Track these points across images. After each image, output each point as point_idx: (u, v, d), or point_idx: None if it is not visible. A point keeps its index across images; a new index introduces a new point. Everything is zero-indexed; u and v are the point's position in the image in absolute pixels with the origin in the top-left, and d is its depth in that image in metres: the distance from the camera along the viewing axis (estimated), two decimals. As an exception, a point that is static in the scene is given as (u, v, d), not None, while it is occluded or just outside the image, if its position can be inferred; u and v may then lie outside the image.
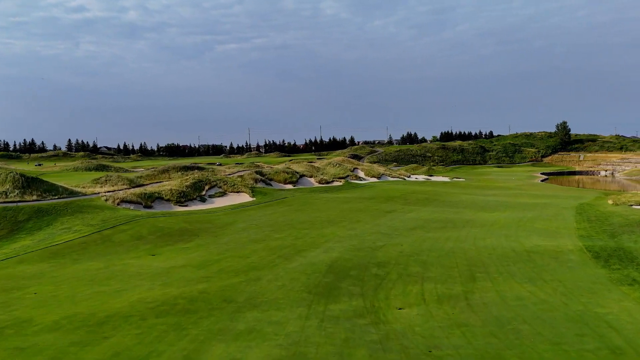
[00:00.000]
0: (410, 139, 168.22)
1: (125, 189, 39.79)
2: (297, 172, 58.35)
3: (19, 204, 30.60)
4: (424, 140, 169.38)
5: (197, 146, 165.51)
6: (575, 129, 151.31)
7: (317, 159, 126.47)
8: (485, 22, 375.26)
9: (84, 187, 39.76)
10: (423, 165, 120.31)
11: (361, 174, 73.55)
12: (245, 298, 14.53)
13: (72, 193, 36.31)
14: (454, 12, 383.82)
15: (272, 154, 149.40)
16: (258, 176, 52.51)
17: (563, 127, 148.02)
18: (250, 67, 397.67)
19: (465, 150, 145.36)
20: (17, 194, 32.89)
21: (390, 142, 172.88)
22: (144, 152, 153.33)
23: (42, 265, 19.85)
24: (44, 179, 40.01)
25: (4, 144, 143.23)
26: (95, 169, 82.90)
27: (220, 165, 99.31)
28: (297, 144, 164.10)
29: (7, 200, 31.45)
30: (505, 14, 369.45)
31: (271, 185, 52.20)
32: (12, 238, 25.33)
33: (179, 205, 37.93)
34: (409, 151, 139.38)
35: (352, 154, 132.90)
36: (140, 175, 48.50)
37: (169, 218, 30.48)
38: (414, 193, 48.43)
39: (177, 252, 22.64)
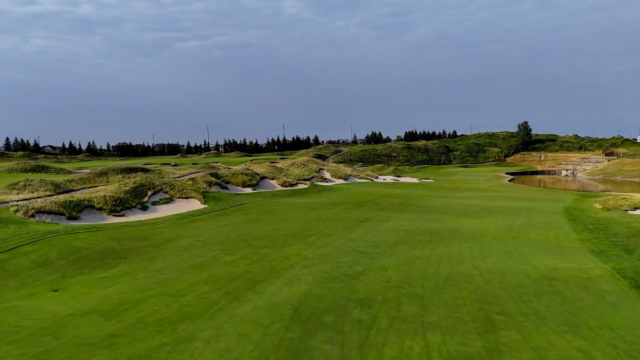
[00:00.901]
0: (375, 138, 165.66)
1: (48, 195, 33.07)
2: (258, 174, 52.83)
3: None
4: (388, 139, 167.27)
5: (151, 145, 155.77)
6: (536, 129, 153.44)
7: (280, 158, 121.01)
8: (443, 25, 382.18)
9: (-5, 194, 32.73)
10: (389, 165, 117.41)
11: (327, 175, 68.86)
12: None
13: (-24, 202, 29.36)
14: (414, 15, 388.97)
15: (232, 153, 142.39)
16: (213, 179, 46.64)
17: (524, 127, 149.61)
18: (211, 66, 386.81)
19: (430, 150, 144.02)
20: None
21: (354, 142, 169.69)
22: (93, 152, 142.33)
23: None
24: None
25: None
26: (32, 170, 73.66)
27: (175, 165, 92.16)
28: (259, 143, 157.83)
29: None
30: (463, 17, 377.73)
31: (228, 189, 46.47)
32: None
33: (114, 215, 31.70)
34: (374, 151, 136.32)
35: (316, 154, 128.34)
36: (70, 179, 41.51)
37: (93, 234, 24.39)
38: (386, 197, 44.11)
39: (90, 284, 16.89)
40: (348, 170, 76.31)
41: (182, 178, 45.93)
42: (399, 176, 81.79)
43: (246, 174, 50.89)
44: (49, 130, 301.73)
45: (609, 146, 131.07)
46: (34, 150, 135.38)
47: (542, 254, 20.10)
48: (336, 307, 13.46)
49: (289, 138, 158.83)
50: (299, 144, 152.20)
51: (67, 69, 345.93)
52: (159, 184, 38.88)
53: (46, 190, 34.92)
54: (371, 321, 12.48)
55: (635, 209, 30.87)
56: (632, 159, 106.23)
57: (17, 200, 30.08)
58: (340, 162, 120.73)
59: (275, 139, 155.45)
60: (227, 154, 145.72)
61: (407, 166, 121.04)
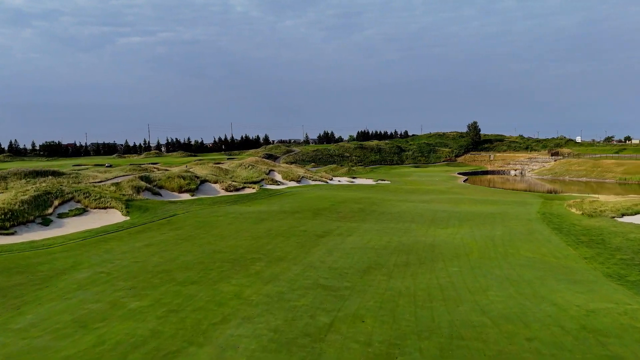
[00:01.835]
0: (327, 138, 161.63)
1: None
2: (198, 177, 46.23)
3: None
4: (341, 139, 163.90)
5: (84, 145, 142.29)
6: (484, 129, 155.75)
7: (228, 159, 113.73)
8: (390, 28, 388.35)
9: None
10: (342, 165, 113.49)
11: (278, 177, 63.15)
12: None
13: None
14: (362, 17, 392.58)
15: (175, 153, 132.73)
16: (142, 183, 39.60)
17: (474, 127, 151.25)
18: (156, 63, 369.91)
19: (382, 150, 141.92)
20: None
21: (306, 142, 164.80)
22: (16, 152, 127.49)
23: None
24: None
25: None
26: None
27: (110, 166, 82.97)
28: (205, 142, 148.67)
29: None
30: (408, 21, 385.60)
31: (160, 195, 39.64)
32: None
33: (1, 234, 24.39)
34: (326, 151, 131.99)
35: (266, 154, 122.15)
36: (-47, 186, 33.11)
37: (-52, 266, 17.35)
38: (344, 202, 39.19)
39: None
40: (301, 171, 71.01)
41: (103, 183, 38.56)
42: (354, 177, 77.57)
43: (184, 177, 44.16)
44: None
45: (553, 146, 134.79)
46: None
47: (553, 282, 15.74)
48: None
49: (238, 137, 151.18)
50: (248, 144, 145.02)
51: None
52: (70, 191, 31.57)
53: None
54: None
55: (623, 215, 27.84)
56: (578, 158, 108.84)
57: None
58: (292, 163, 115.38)
59: (223, 138, 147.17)
60: (170, 154, 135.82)
61: (360, 166, 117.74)
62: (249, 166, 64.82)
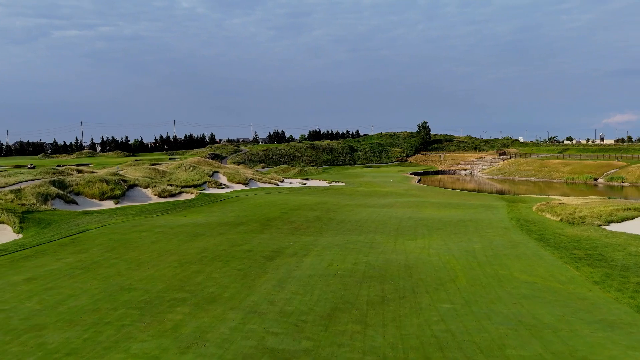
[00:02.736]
0: (277, 137, 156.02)
1: None
2: (126, 181, 39.57)
3: None
4: (292, 138, 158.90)
5: (4, 144, 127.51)
6: (434, 130, 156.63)
7: (170, 159, 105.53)
8: (338, 29, 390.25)
9: None
10: (293, 166, 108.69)
11: (223, 179, 57.19)
12: None
13: None
14: (310, 17, 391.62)
15: (111, 153, 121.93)
16: (53, 189, 32.64)
17: (424, 127, 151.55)
18: (95, 58, 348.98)
19: (334, 150, 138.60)
20: None
21: (256, 141, 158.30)
22: None
23: None
24: None
25: None
26: None
27: (32, 167, 73.22)
28: (145, 141, 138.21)
29: None
30: (356, 22, 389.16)
31: (76, 203, 32.87)
32: None
33: None
34: (277, 150, 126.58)
35: (212, 154, 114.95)
36: None
37: None
38: (298, 209, 34.33)
39: None
40: (249, 173, 65.32)
41: (1, 190, 31.22)
42: (306, 179, 72.92)
43: (107, 182, 37.39)
44: None
45: (500, 146, 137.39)
46: None
47: (584, 327, 11.73)
48: None
49: (182, 136, 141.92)
50: (192, 143, 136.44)
51: None
52: (-57, 202, 24.40)
53: None
54: None
55: (609, 222, 25.01)
56: (526, 158, 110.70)
57: None
58: (240, 163, 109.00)
59: (165, 137, 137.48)
60: (105, 153, 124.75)
61: (312, 167, 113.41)
62: (189, 167, 58.37)
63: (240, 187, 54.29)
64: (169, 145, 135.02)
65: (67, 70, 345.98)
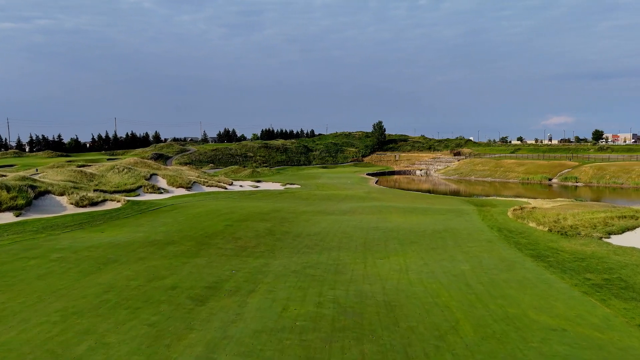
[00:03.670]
0: (228, 136, 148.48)
1: None
2: (35, 187, 32.46)
3: None
4: (243, 138, 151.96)
5: None
6: (389, 130, 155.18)
7: (108, 159, 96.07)
8: (290, 29, 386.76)
9: None
10: (245, 167, 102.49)
11: (162, 182, 50.50)
12: None
13: None
14: (262, 16, 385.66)
15: (41, 153, 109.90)
16: None
17: (379, 127, 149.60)
18: (33, 52, 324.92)
19: (289, 150, 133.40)
20: None
21: (205, 140, 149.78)
22: None
23: None
24: None
25: None
26: None
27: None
28: (81, 140, 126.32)
29: None
30: (308, 23, 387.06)
31: (-42, 217, 25.68)
32: None
33: None
34: (227, 150, 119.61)
35: (156, 154, 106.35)
36: None
37: None
38: (246, 219, 28.93)
39: None
40: (193, 175, 58.77)
41: None
42: (258, 181, 67.26)
43: (8, 188, 30.20)
44: None
45: (454, 146, 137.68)
46: None
47: None
48: None
49: (123, 134, 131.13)
50: (134, 142, 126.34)
51: None
52: None
53: None
54: None
55: (609, 234, 21.60)
56: (480, 158, 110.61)
57: None
58: (186, 164, 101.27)
59: (104, 136, 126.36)
60: (34, 154, 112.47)
61: (265, 167, 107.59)
62: (123, 169, 51.16)
63: (182, 191, 47.92)
64: (109, 145, 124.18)
65: (3, 65, 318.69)
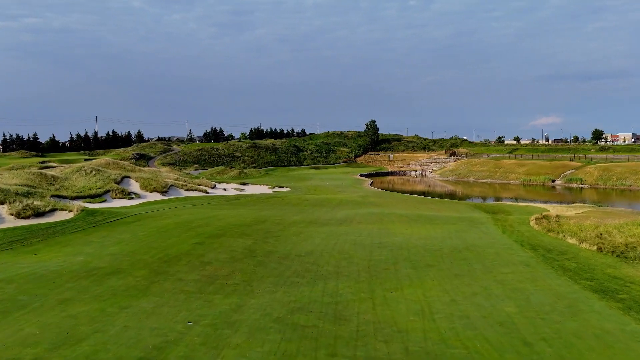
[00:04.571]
0: (215, 135, 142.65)
1: None
2: (-32, 194, 26.83)
3: None
4: (231, 137, 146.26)
5: None
6: (382, 129, 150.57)
7: (86, 159, 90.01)
8: (282, 29, 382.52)
9: None
10: (232, 167, 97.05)
11: (134, 186, 45.04)
12: None
13: None
14: (253, 16, 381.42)
15: (14, 153, 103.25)
16: None
17: (372, 126, 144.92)
18: (21, 51, 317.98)
19: (279, 150, 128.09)
20: None
21: (191, 139, 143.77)
22: None
23: None
24: None
25: None
26: None
27: None
28: (59, 140, 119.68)
29: None
30: (299, 23, 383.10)
31: None
32: None
33: None
34: (214, 150, 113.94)
35: (137, 154, 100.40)
36: None
37: None
38: (221, 235, 23.73)
39: None
40: (171, 177, 53.26)
41: None
42: (244, 183, 61.93)
43: None
44: None
45: (450, 146, 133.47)
46: None
47: None
48: None
49: (105, 134, 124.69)
50: (116, 141, 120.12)
51: None
52: None
53: None
54: None
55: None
56: (478, 158, 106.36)
57: None
58: (170, 164, 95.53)
59: (83, 135, 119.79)
60: (7, 154, 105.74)
61: (254, 168, 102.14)
62: (92, 171, 45.57)
63: (156, 196, 42.49)
64: (88, 145, 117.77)
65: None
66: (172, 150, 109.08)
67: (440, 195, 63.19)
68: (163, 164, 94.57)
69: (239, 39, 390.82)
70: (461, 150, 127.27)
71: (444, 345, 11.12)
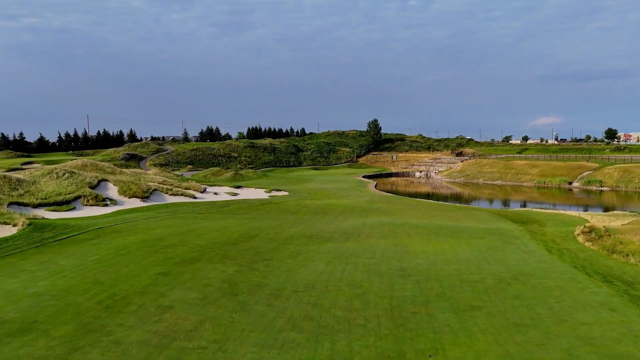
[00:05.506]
0: (211, 134, 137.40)
1: None
2: None
3: None
4: (228, 137, 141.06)
5: None
6: (384, 129, 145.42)
7: (73, 160, 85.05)
8: (281, 29, 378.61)
9: None
10: (228, 168, 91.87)
11: (112, 191, 39.84)
12: None
13: None
14: (253, 15, 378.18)
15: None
16: None
17: (374, 126, 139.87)
18: (20, 51, 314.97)
19: (277, 150, 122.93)
20: None
21: (186, 139, 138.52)
22: None
23: None
24: None
25: None
26: None
27: None
28: (47, 139, 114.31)
29: None
30: (298, 22, 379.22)
31: None
32: None
33: None
34: (209, 150, 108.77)
35: (128, 154, 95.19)
36: None
37: None
38: (197, 259, 18.56)
39: None
40: (157, 180, 48.03)
41: None
42: (239, 187, 56.73)
43: None
44: None
45: (455, 146, 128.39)
46: None
47: None
48: None
49: (96, 133, 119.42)
50: (107, 141, 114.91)
51: None
52: None
53: None
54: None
55: None
56: (487, 159, 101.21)
57: None
58: (162, 165, 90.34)
59: (72, 134, 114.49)
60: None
61: (250, 169, 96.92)
62: (64, 174, 40.38)
63: (135, 202, 37.30)
64: (78, 144, 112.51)
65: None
66: (165, 150, 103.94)
67: (449, 199, 58.10)
68: (154, 165, 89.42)
69: (238, 38, 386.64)
70: (467, 150, 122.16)
71: None
